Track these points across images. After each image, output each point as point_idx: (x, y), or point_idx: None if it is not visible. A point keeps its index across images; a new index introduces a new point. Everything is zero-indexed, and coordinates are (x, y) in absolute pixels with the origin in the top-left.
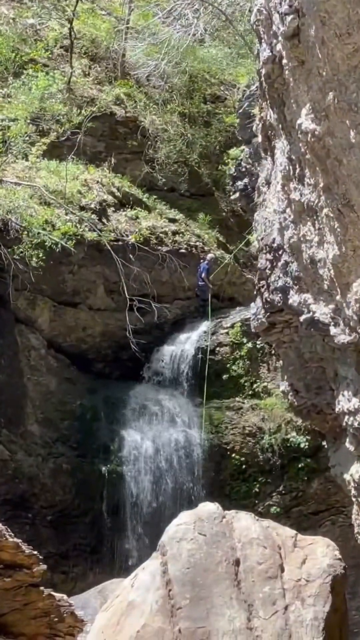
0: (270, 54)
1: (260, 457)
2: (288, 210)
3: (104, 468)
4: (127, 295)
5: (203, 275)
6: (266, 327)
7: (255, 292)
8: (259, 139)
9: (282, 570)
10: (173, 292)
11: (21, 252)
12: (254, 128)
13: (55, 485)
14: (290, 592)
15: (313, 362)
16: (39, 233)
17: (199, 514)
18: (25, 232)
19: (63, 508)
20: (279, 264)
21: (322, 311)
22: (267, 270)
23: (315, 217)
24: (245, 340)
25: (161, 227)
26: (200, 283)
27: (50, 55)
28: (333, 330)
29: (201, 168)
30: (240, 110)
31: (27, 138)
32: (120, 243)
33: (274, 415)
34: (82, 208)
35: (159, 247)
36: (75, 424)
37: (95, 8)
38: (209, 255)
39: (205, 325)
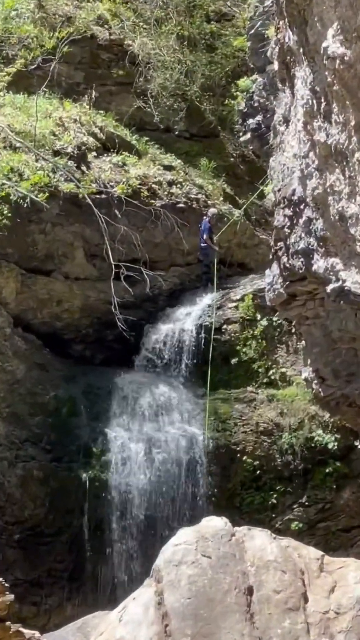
0: None
1: (278, 460)
2: (311, 154)
3: (84, 475)
4: (112, 261)
5: (205, 235)
6: (285, 300)
7: (271, 257)
8: (275, 66)
9: (306, 600)
10: (169, 257)
11: None
12: (268, 53)
13: (25, 496)
14: (315, 627)
15: (343, 342)
16: (3, 184)
17: (202, 532)
18: None
19: (34, 525)
20: (301, 221)
21: (354, 279)
22: (285, 229)
23: (345, 163)
24: (258, 315)
25: (154, 176)
26: (202, 245)
27: None
28: None
29: (203, 103)
30: (252, 31)
31: None
32: (103, 196)
33: (295, 408)
34: (56, 153)
35: (152, 201)
36: (49, 421)
37: None
38: (211, 210)
39: (209, 298)
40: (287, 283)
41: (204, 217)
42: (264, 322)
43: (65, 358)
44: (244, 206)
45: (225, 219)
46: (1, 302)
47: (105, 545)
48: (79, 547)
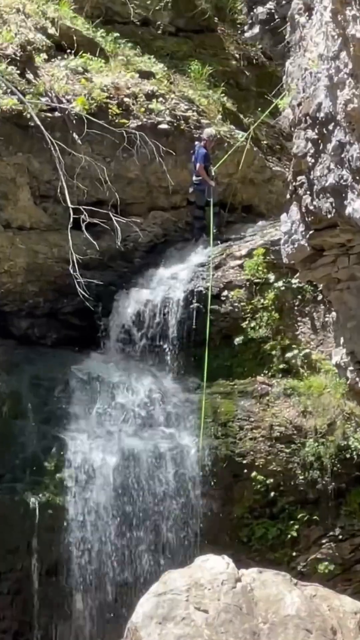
0: None
1: (300, 477)
2: (343, 55)
3: (32, 499)
4: (69, 204)
5: (198, 166)
6: (308, 256)
7: (288, 196)
8: None
9: None
10: (148, 198)
11: None
12: None
13: None
14: None
15: None
16: None
17: (195, 576)
18: None
19: None
20: (329, 146)
21: None
22: (308, 158)
23: None
24: (272, 277)
25: (127, 86)
26: (195, 180)
27: None
28: None
29: None
30: None
31: None
32: (57, 114)
33: (323, 405)
34: None
35: (124, 121)
36: None
37: None
38: (207, 131)
39: (203, 254)
40: (311, 232)
41: (196, 143)
42: (280, 287)
43: (5, 338)
44: (252, 127)
45: (226, 145)
46: None
47: (61, 596)
48: (26, 598)
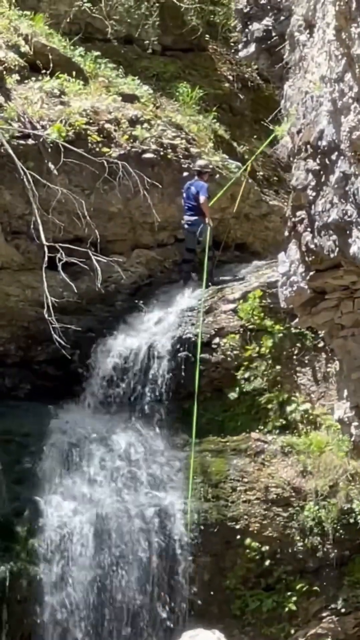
0: None
1: (299, 544)
2: (348, 76)
3: (2, 568)
4: (44, 241)
5: (202, 198)
6: (308, 299)
7: (286, 233)
8: None
9: None
10: (131, 234)
11: None
12: None
13: None
14: None
15: None
16: None
17: None
18: None
19: None
20: (332, 178)
21: None
22: (309, 192)
23: None
24: (268, 323)
25: (108, 110)
26: (187, 220)
27: None
28: None
29: (184, 0)
30: None
31: None
32: (31, 142)
33: (324, 465)
34: None
35: (105, 150)
36: None
37: None
38: (200, 163)
39: (192, 296)
40: (312, 273)
41: (185, 174)
42: (277, 334)
43: None
44: (251, 160)
45: (218, 176)
46: None
47: None
48: None
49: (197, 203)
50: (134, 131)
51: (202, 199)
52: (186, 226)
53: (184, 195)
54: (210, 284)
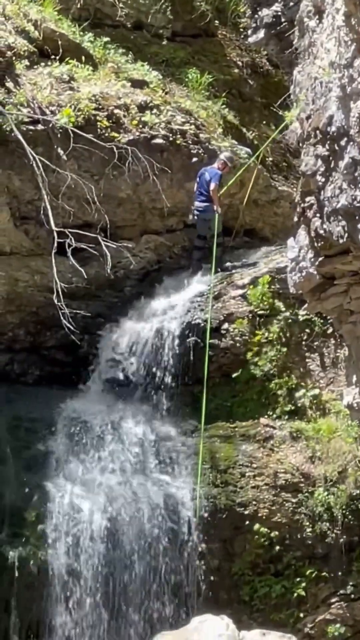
0: None
1: (308, 530)
2: (358, 62)
3: (12, 553)
4: (53, 227)
5: (213, 185)
6: (317, 285)
7: (295, 219)
8: None
9: None
10: (141, 220)
11: None
12: None
13: None
14: None
15: None
16: None
17: (191, 638)
18: None
19: None
20: (341, 164)
21: None
22: (318, 177)
23: None
24: (278, 308)
25: (118, 96)
26: (198, 206)
27: None
28: None
29: None
30: None
31: None
32: (40, 128)
33: (334, 450)
34: None
35: (114, 135)
36: None
37: None
38: (226, 155)
39: (202, 282)
40: (321, 259)
41: (207, 167)
42: (286, 319)
43: None
44: (264, 146)
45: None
46: None
47: None
48: None
49: (209, 190)
50: (143, 117)
51: (212, 185)
52: (196, 212)
53: (197, 180)
54: (219, 269)
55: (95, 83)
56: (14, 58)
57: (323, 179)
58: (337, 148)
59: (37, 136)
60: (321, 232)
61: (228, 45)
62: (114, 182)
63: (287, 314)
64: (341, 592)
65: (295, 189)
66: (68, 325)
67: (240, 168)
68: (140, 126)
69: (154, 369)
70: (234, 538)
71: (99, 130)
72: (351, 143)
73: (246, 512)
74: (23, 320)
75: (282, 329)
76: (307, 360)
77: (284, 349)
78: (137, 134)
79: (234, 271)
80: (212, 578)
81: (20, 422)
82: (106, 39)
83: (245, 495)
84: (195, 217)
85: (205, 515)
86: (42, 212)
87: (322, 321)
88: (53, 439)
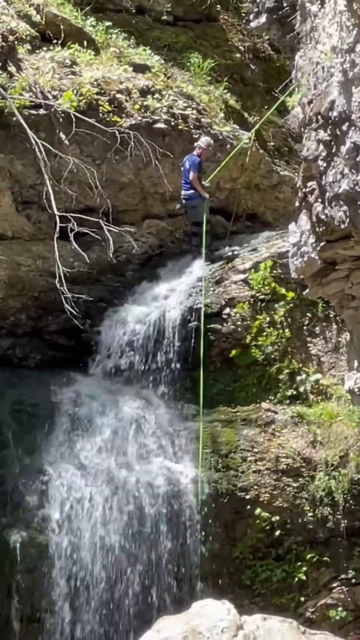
0: None
1: (309, 514)
2: (359, 47)
3: (14, 537)
4: (55, 211)
5: (192, 175)
6: (319, 269)
7: (297, 204)
8: None
9: None
10: (142, 205)
11: None
12: None
13: None
14: None
15: None
16: None
17: (193, 623)
18: None
19: None
20: (343, 149)
21: None
22: (320, 162)
23: None
24: (279, 293)
25: (120, 80)
26: (185, 192)
27: None
28: None
29: None
30: None
31: None
32: (42, 112)
33: (335, 435)
34: None
35: (116, 119)
36: None
37: None
38: (203, 139)
39: (199, 266)
40: (323, 244)
41: (192, 152)
42: (288, 304)
43: None
44: (256, 126)
45: (229, 147)
46: None
47: None
48: None
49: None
50: (145, 101)
51: (191, 175)
52: (184, 201)
53: (181, 168)
54: (209, 257)
55: (97, 68)
56: (16, 42)
57: (325, 164)
58: (338, 133)
59: (39, 121)
60: (323, 217)
61: (230, 30)
62: (115, 167)
63: (289, 298)
64: (342, 576)
65: (297, 174)
66: (70, 309)
67: (237, 151)
68: (142, 111)
69: (155, 354)
70: (235, 522)
71: (101, 114)
72: (353, 128)
73: (247, 497)
74: (25, 305)
75: (284, 314)
76: (308, 345)
77: (286, 334)
78: (139, 118)
79: (234, 255)
80: (213, 562)
81: (22, 407)
82: (108, 23)
83: (246, 479)
84: (184, 206)
85: (207, 499)
86: (44, 196)
87: (324, 305)
88: (55, 423)
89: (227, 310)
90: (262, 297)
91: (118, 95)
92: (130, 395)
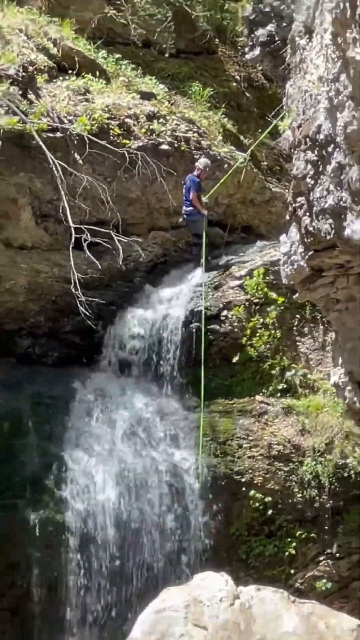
0: None
1: (298, 495)
2: (343, 77)
3: (33, 516)
4: (71, 223)
5: (192, 194)
6: (307, 276)
7: (287, 217)
8: None
9: None
10: (148, 218)
11: None
12: None
13: None
14: None
15: None
16: None
17: (194, 593)
18: None
19: None
20: (329, 168)
21: None
22: (308, 180)
23: None
24: (271, 297)
25: (128, 107)
26: (185, 210)
27: None
28: None
29: (196, 8)
30: None
31: None
32: (59, 135)
33: (321, 424)
34: None
35: (125, 142)
36: None
37: None
38: (202, 161)
39: (199, 273)
40: (311, 253)
41: (193, 172)
42: (279, 307)
43: (6, 356)
44: (251, 148)
45: (226, 166)
46: None
47: (61, 612)
48: (26, 615)
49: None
50: (151, 125)
51: (191, 194)
52: (185, 216)
53: (184, 189)
54: (208, 265)
55: (108, 95)
56: (35, 73)
57: (312, 182)
58: (325, 154)
59: (56, 142)
60: (311, 229)
61: (227, 61)
62: (125, 184)
63: (280, 302)
64: (328, 551)
65: (287, 190)
66: (84, 311)
67: (234, 170)
68: (149, 134)
69: (160, 352)
70: (232, 503)
71: (111, 137)
72: (337, 149)
73: (243, 480)
74: (43, 308)
75: (275, 316)
76: (297, 343)
77: (277, 334)
78: (146, 140)
79: (231, 264)
80: (212, 539)
81: (40, 399)
82: (118, 55)
83: (242, 464)
84: (185, 220)
85: (206, 482)
86: (60, 210)
87: (311, 308)
88: (70, 414)
89: (224, 312)
90: (256, 300)
91: (127, 120)
92: (138, 389)
